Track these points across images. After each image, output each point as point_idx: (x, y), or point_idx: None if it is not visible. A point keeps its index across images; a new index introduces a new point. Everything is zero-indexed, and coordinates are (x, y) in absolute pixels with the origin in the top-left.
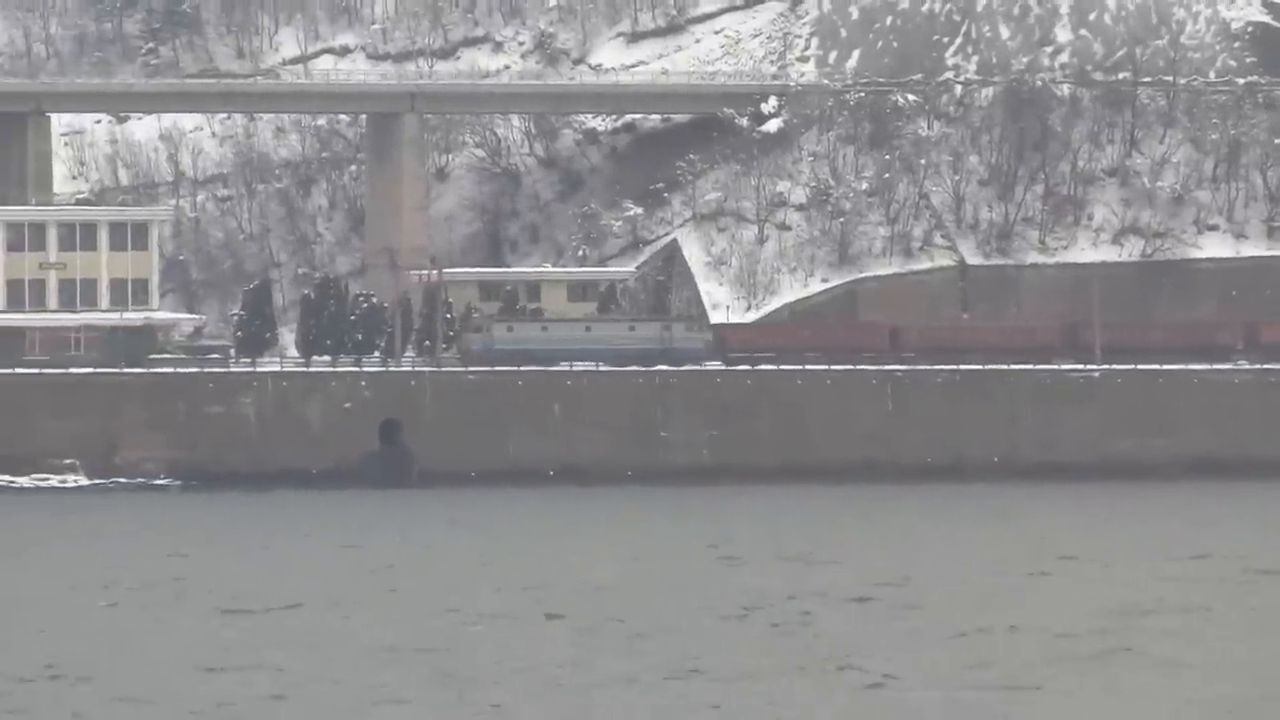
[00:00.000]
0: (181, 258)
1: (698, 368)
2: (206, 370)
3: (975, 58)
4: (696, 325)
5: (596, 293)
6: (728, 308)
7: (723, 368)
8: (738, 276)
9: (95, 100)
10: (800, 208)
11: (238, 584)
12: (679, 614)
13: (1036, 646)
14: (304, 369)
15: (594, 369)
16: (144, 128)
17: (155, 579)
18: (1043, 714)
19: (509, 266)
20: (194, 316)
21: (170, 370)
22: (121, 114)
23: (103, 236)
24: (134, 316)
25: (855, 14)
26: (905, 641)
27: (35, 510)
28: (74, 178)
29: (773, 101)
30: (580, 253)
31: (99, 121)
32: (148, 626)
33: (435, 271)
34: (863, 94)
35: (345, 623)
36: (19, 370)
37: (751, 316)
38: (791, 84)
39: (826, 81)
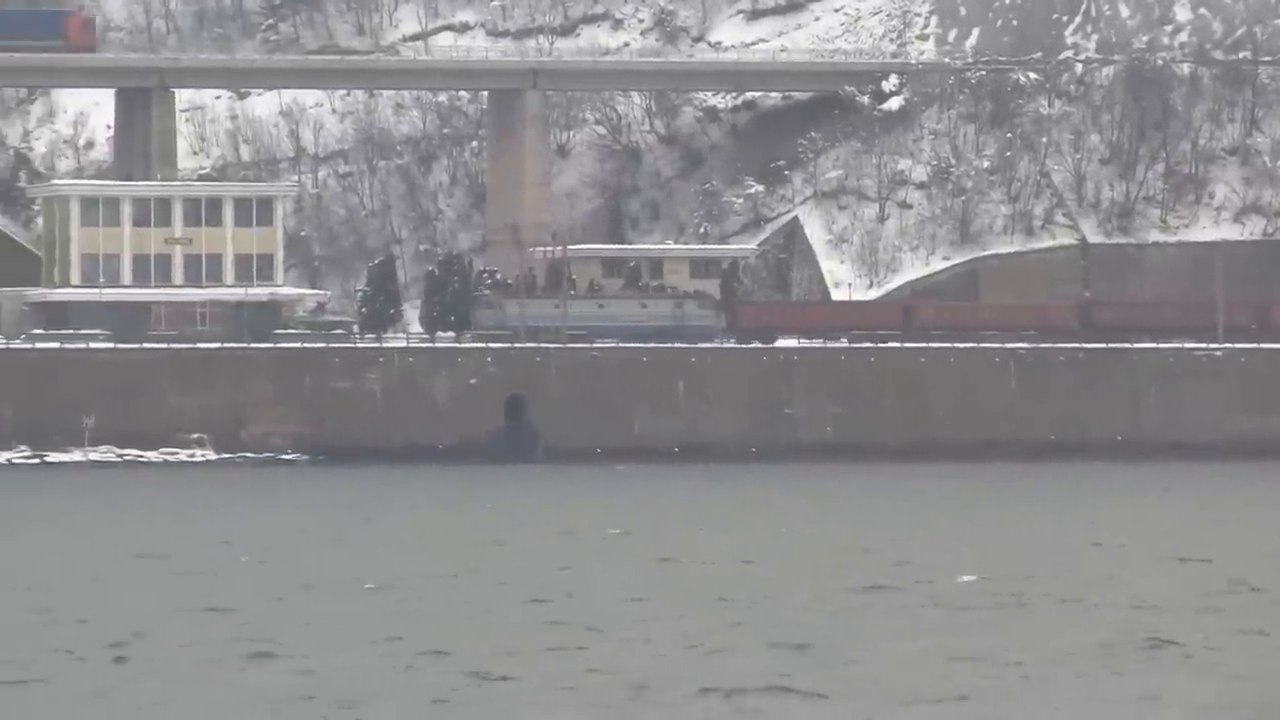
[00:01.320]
0: (303, 234)
1: (820, 344)
2: (333, 345)
3: (1095, 36)
4: (709, 303)
5: (719, 269)
6: (850, 285)
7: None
8: (859, 254)
9: (219, 76)
10: (921, 186)
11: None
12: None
13: None
14: (430, 345)
15: (720, 346)
16: (264, 104)
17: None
18: None
19: (630, 243)
20: (318, 292)
21: (297, 345)
22: (242, 90)
23: (228, 212)
24: (259, 292)
25: None
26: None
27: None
28: (195, 153)
29: (893, 79)
30: (701, 230)
31: (219, 97)
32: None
33: (560, 248)
34: (983, 72)
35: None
36: (147, 345)
37: (874, 294)
38: (912, 62)
39: (947, 60)
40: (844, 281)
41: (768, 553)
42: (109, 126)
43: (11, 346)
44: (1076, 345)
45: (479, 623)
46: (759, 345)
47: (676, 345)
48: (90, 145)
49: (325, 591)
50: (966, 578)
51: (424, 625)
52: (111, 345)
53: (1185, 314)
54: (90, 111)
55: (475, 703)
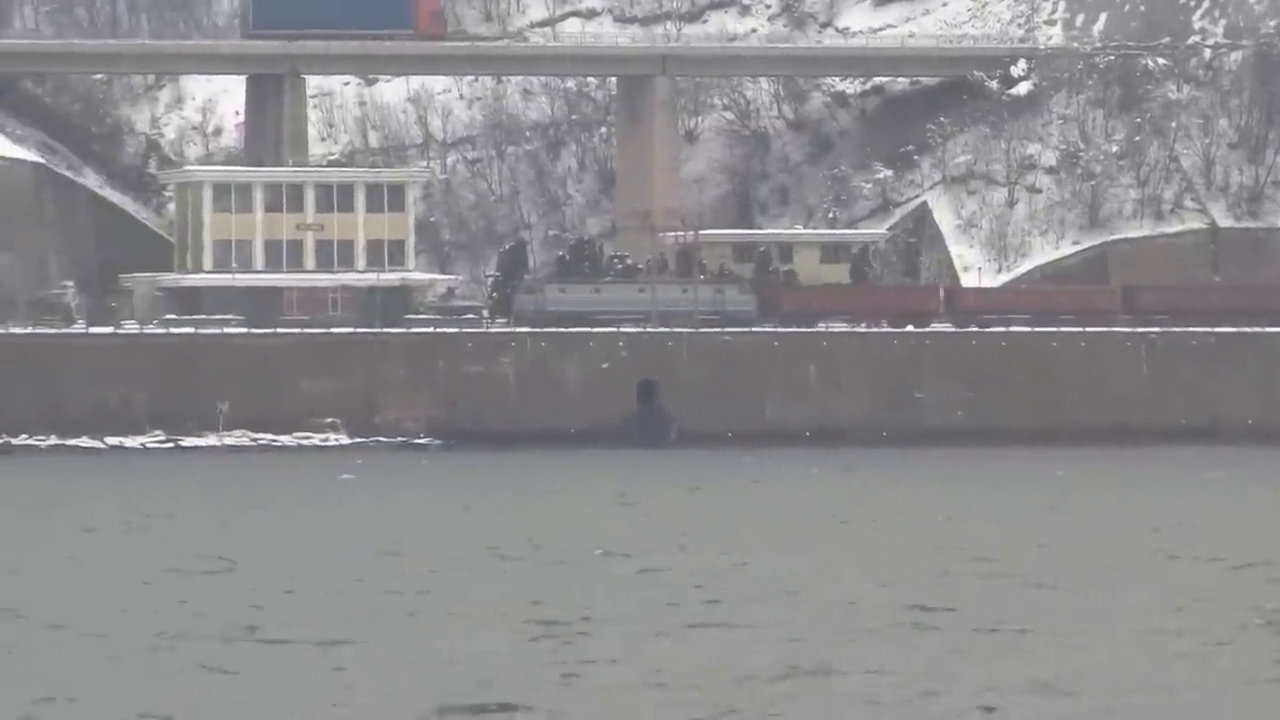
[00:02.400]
0: (433, 219)
1: (944, 329)
2: (465, 330)
3: (1222, 21)
4: (747, 287)
5: (849, 254)
6: (979, 270)
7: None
8: (988, 239)
9: (350, 62)
10: (1050, 170)
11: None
12: None
13: None
14: (562, 330)
15: (851, 330)
16: (392, 90)
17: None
18: None
19: (758, 228)
20: (449, 277)
21: (430, 330)
22: (370, 76)
23: (359, 198)
24: (390, 277)
25: None
26: None
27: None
28: (323, 139)
29: (1022, 64)
30: (830, 215)
31: (347, 83)
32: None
33: (692, 233)
34: (1112, 57)
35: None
36: (280, 330)
37: (1003, 279)
38: (1040, 47)
39: (1075, 45)
40: (973, 266)
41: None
42: (238, 113)
43: (146, 332)
44: (1208, 329)
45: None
46: (890, 330)
47: (810, 329)
48: (218, 132)
49: None
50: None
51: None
52: (246, 330)
53: (1229, 298)
54: (219, 98)
55: None
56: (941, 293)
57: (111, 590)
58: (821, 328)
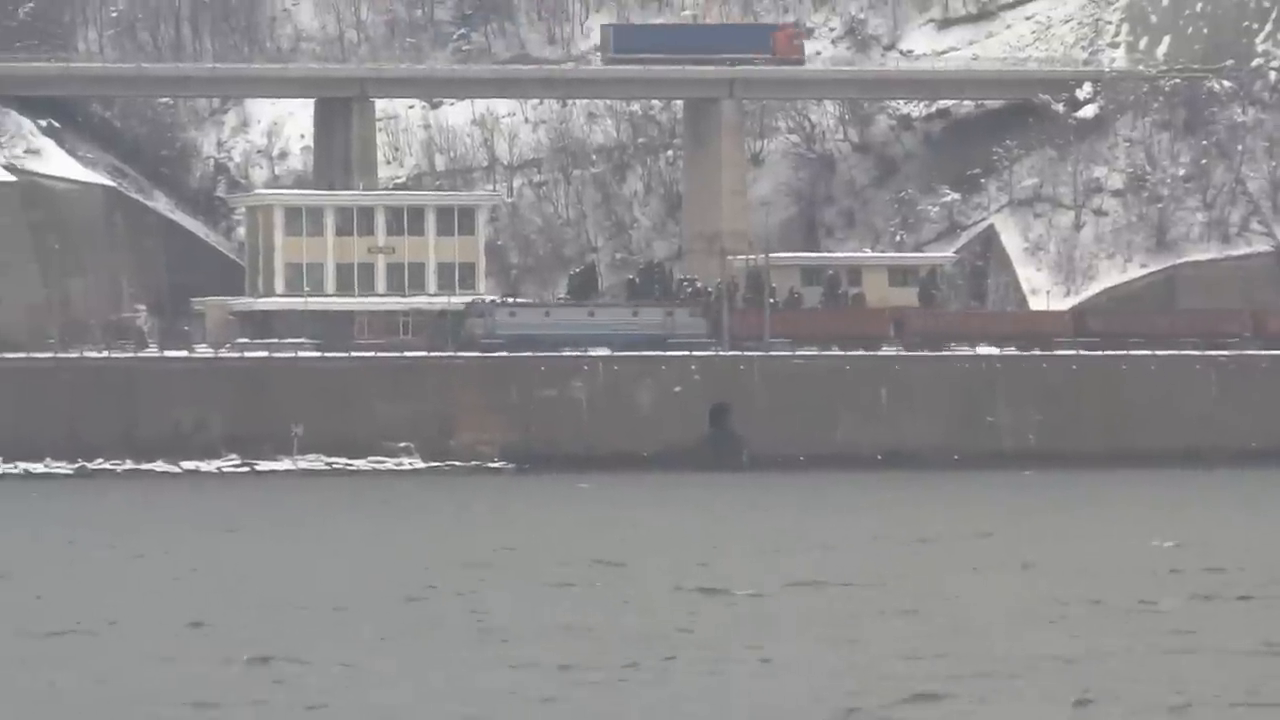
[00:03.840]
0: (500, 243)
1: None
2: (538, 354)
3: None
4: (698, 311)
5: (917, 277)
6: (1047, 293)
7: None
8: (1056, 262)
9: (418, 86)
10: (1117, 193)
11: None
12: None
13: None
14: (634, 354)
15: (919, 355)
16: (457, 113)
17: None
18: None
19: (824, 251)
20: (522, 301)
21: (503, 354)
22: (435, 100)
23: (430, 221)
24: (461, 300)
25: (1165, 0)
26: None
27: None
28: (388, 162)
29: (1087, 88)
30: (897, 238)
31: (411, 107)
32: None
33: (762, 255)
34: (1177, 80)
35: None
36: (355, 354)
37: (1070, 302)
38: (1106, 70)
39: (1141, 68)
40: (1041, 289)
41: None
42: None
43: (220, 355)
44: (1279, 352)
45: None
46: (960, 353)
47: (881, 353)
48: (284, 155)
49: None
50: None
51: None
52: (320, 354)
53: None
54: (284, 121)
55: None
56: (890, 319)
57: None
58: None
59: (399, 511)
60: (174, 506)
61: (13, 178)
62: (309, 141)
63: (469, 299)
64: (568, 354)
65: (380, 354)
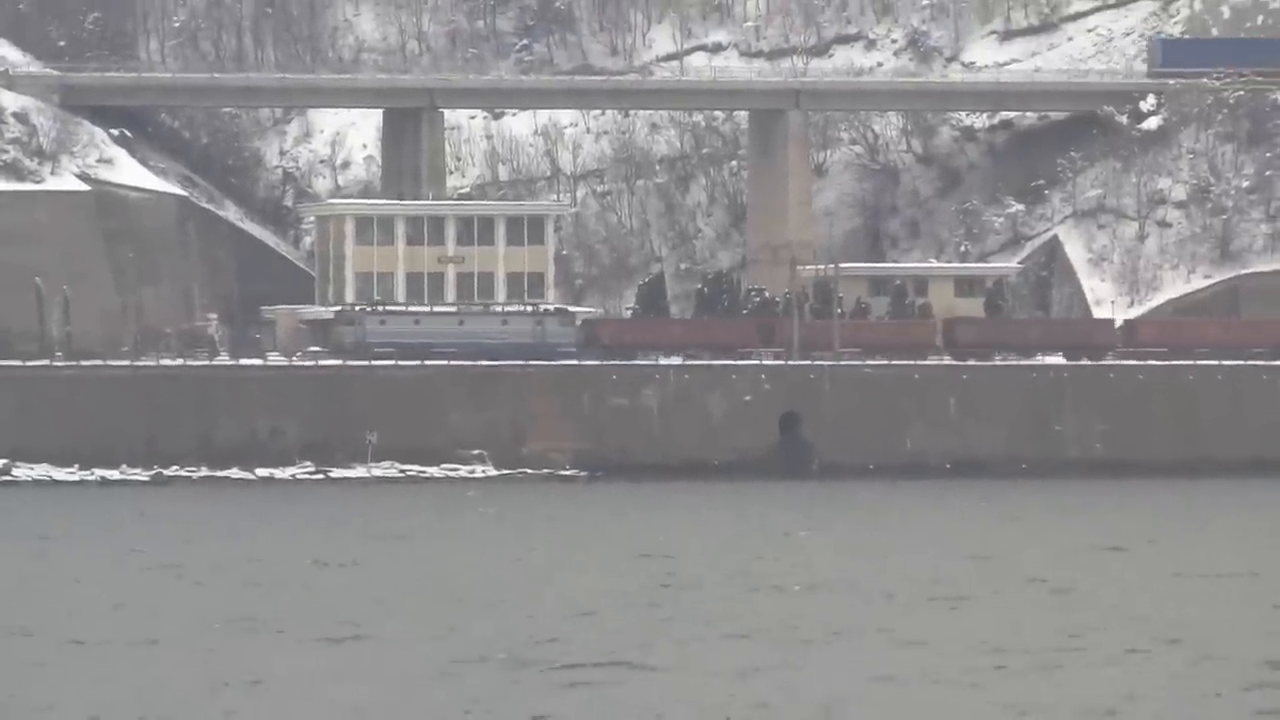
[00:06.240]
0: (564, 252)
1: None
2: (610, 363)
3: None
4: (568, 319)
5: (983, 288)
6: (1112, 303)
7: (1023, 362)
8: (1120, 273)
9: (486, 96)
10: (1180, 205)
11: None
12: None
13: None
14: (705, 362)
15: (986, 364)
16: (520, 123)
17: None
18: None
19: (889, 262)
20: (587, 310)
21: (575, 363)
22: (498, 110)
23: (500, 230)
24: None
25: (1226, 13)
26: None
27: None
28: (451, 172)
29: (1151, 99)
30: (961, 249)
31: (474, 117)
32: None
33: (831, 266)
34: (1240, 92)
35: None
36: (428, 362)
37: (1135, 313)
38: (1169, 82)
39: (1204, 80)
40: (1105, 299)
41: None
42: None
43: (295, 364)
44: None
45: None
46: (1028, 363)
47: (950, 362)
48: (347, 165)
49: None
50: None
51: None
52: (394, 362)
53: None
54: (347, 131)
55: None
56: (755, 326)
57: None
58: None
59: (547, 518)
60: (357, 513)
61: (86, 187)
62: (372, 151)
63: (337, 308)
64: (638, 363)
65: (454, 362)
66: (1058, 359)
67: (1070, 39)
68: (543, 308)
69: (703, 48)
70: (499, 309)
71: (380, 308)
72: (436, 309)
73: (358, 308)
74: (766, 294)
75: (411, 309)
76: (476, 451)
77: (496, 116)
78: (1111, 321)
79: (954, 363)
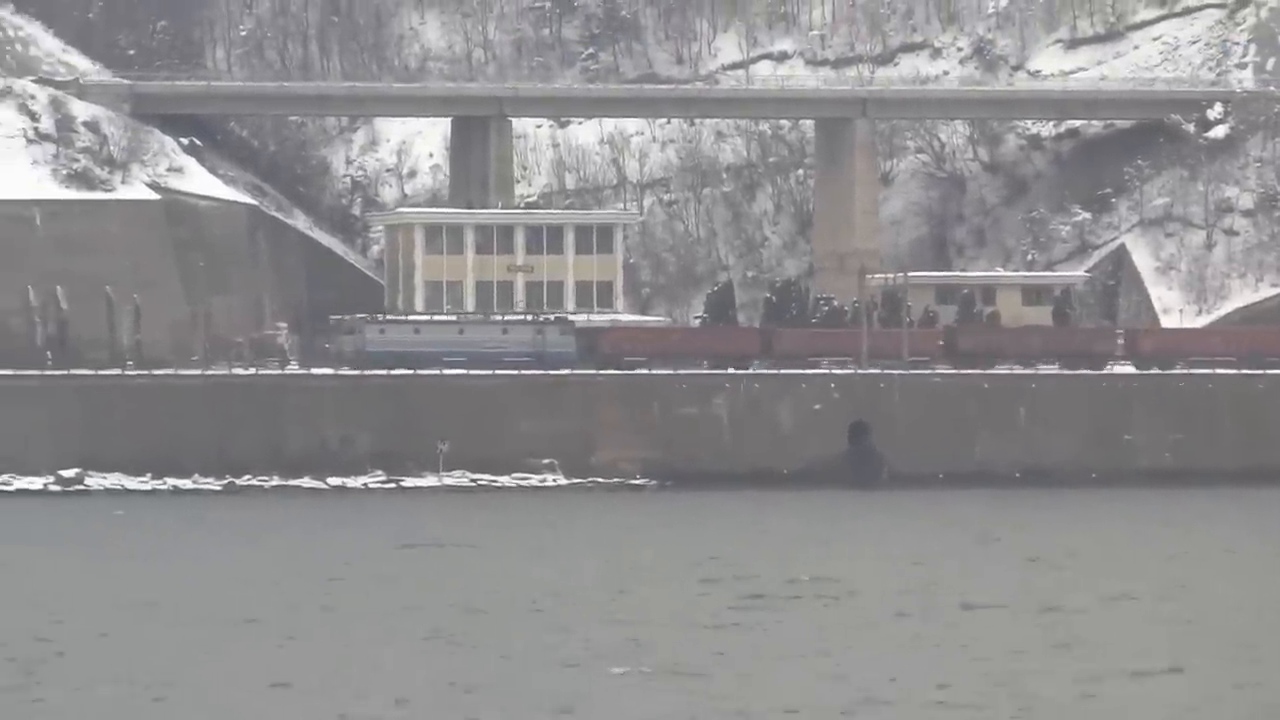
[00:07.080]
0: (631, 260)
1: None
2: (679, 372)
3: None
4: (568, 328)
5: (1051, 296)
6: (1180, 312)
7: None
8: (1187, 281)
9: (554, 105)
10: (1248, 213)
11: None
12: None
13: None
14: (774, 371)
15: (1055, 373)
16: (585, 131)
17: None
18: None
19: (955, 270)
20: (657, 319)
21: (644, 372)
22: (564, 118)
23: (569, 239)
24: (600, 319)
25: None
26: None
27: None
28: (518, 181)
29: (1218, 108)
30: (1028, 257)
31: (539, 126)
32: None
33: (900, 274)
34: None
35: None
36: (499, 372)
37: (1202, 321)
38: (1236, 90)
39: (1272, 88)
40: (1173, 308)
41: None
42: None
43: (365, 373)
44: None
45: None
46: (1098, 372)
47: (1019, 371)
48: (413, 173)
49: None
50: None
51: None
52: (465, 371)
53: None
54: (413, 139)
55: None
56: (758, 335)
57: None
58: (1000, 369)
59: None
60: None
61: (157, 196)
62: (438, 160)
63: (338, 318)
64: (708, 371)
65: (524, 371)
66: (1126, 368)
67: (1136, 47)
68: (542, 317)
69: (768, 56)
70: (499, 318)
71: (380, 316)
72: (436, 318)
73: (357, 316)
74: (835, 302)
75: (410, 318)
76: (547, 461)
77: (563, 125)
78: (1114, 331)
79: (1024, 371)
